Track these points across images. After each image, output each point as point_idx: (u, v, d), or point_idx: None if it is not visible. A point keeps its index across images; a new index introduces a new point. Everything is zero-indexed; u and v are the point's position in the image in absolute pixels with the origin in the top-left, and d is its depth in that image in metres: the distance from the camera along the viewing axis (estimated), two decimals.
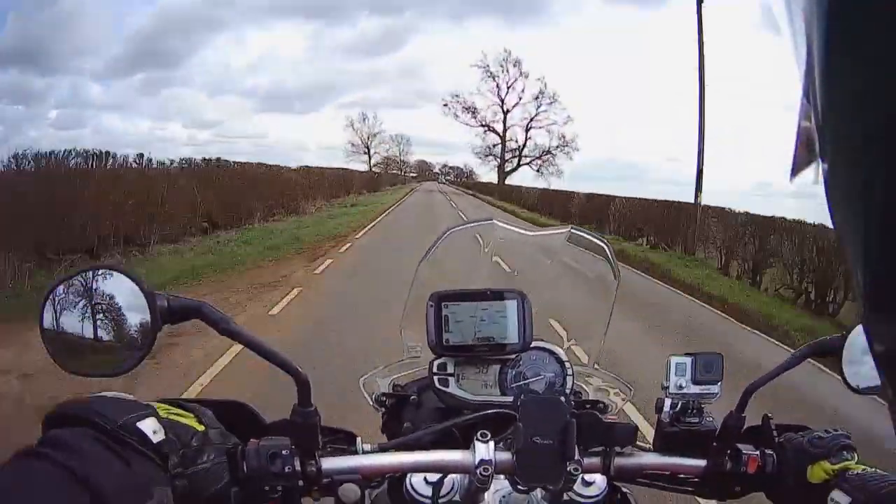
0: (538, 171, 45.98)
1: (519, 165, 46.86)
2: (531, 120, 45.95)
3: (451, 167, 73.59)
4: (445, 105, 47.62)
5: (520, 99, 46.07)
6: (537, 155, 46.20)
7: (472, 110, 47.15)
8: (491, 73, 45.94)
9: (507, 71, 45.26)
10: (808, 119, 0.24)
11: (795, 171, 0.27)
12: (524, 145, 46.75)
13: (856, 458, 0.68)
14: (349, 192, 28.83)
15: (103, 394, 0.55)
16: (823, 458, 0.68)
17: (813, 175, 0.25)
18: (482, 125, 47.24)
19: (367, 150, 53.50)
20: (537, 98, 45.57)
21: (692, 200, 14.20)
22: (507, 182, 45.53)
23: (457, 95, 47.20)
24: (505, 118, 46.77)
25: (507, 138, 46.54)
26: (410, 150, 58.04)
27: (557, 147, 45.10)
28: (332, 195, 24.75)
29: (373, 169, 51.06)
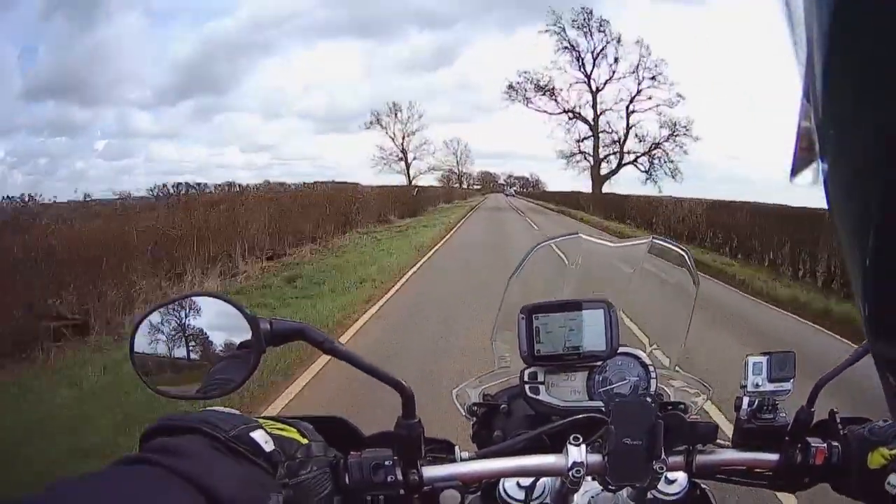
0: (647, 172, 33.24)
1: (621, 165, 33.87)
2: (632, 100, 33.10)
3: (515, 177, 70.05)
4: (511, 88, 35.40)
5: (612, 73, 33.23)
6: (646, 150, 33.15)
7: (549, 91, 34.50)
8: (567, 40, 33.03)
9: (591, 35, 32.92)
10: (808, 119, 0.24)
11: (795, 171, 0.27)
12: (626, 136, 33.41)
13: None
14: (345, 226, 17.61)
15: (213, 408, 0.57)
16: (882, 444, 0.71)
17: (813, 175, 0.26)
18: (565, 111, 34.49)
19: (402, 156, 40.96)
20: (635, 71, 32.76)
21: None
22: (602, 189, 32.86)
23: (526, 72, 35.24)
24: (595, 99, 33.86)
25: (600, 129, 33.92)
26: (469, 159, 52.53)
27: (670, 136, 32.35)
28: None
29: (413, 182, 38.70)
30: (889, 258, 0.22)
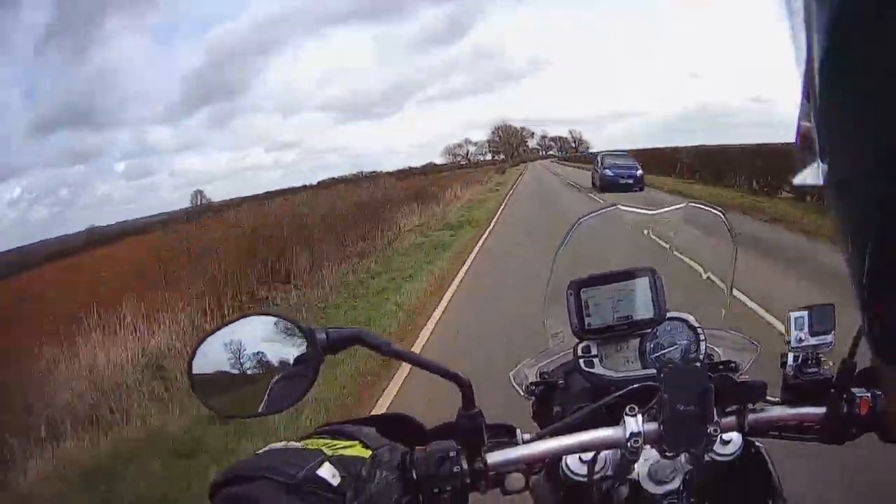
0: None
1: None
2: None
3: (551, 138, 62.68)
4: None
5: None
6: None
7: None
8: None
9: None
10: (808, 119, 0.24)
11: (795, 171, 0.27)
12: None
13: None
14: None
15: (272, 446, 0.58)
16: None
17: (813, 175, 0.26)
18: None
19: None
20: None
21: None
22: None
23: None
24: None
25: None
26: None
27: None
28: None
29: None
30: (889, 256, 0.22)
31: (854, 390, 0.74)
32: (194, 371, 0.62)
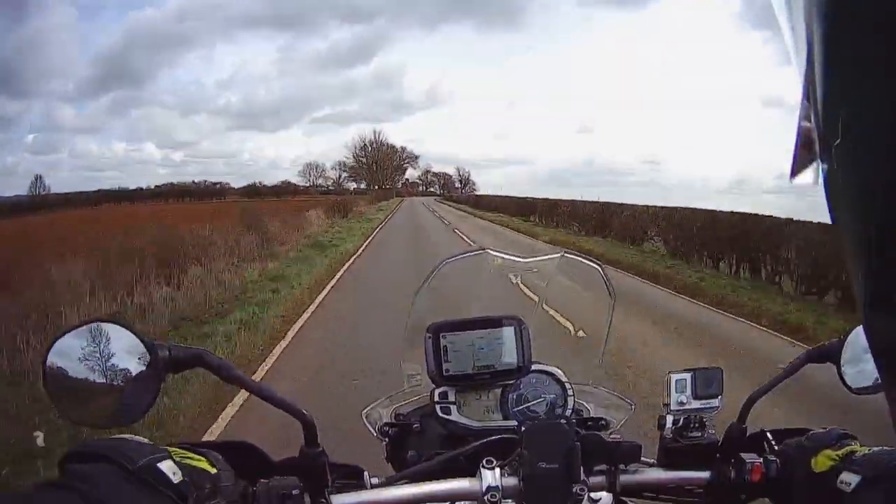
0: None
1: None
2: None
3: (434, 174, 54.21)
4: None
5: None
6: None
7: None
8: None
9: None
10: (808, 119, 0.24)
11: (795, 171, 0.27)
12: None
13: (858, 444, 0.69)
14: None
15: (123, 436, 0.57)
16: (825, 447, 0.69)
17: (813, 175, 0.25)
18: None
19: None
20: None
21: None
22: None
23: None
24: None
25: None
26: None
27: None
28: None
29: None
30: (889, 256, 0.22)
31: (744, 455, 0.74)
32: (48, 376, 0.59)
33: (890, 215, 0.21)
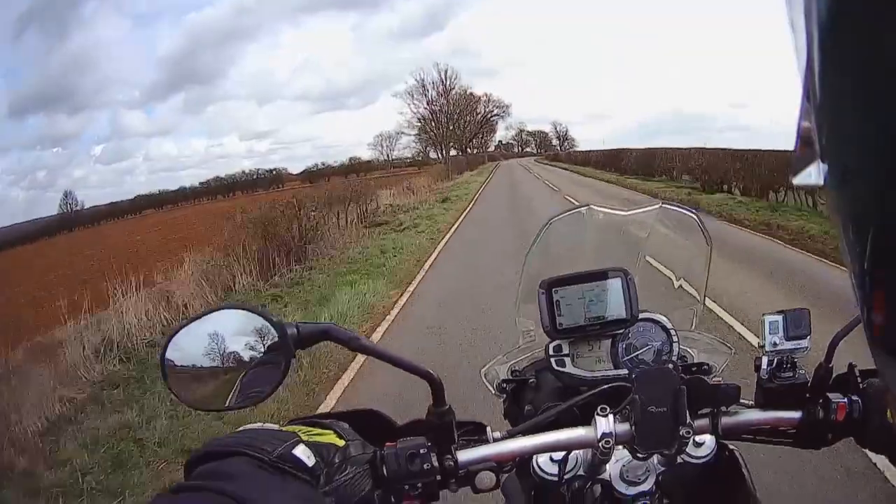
0: None
1: None
2: None
3: (528, 132, 44.98)
4: None
5: None
6: None
7: None
8: None
9: None
10: (808, 119, 0.24)
11: (795, 171, 0.27)
12: None
13: None
14: None
15: (248, 426, 0.59)
16: None
17: (813, 175, 0.25)
18: None
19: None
20: None
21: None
22: None
23: None
24: None
25: None
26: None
27: None
28: None
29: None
30: (889, 256, 0.22)
31: (830, 396, 0.75)
32: (167, 361, 0.61)
33: (891, 214, 0.21)
